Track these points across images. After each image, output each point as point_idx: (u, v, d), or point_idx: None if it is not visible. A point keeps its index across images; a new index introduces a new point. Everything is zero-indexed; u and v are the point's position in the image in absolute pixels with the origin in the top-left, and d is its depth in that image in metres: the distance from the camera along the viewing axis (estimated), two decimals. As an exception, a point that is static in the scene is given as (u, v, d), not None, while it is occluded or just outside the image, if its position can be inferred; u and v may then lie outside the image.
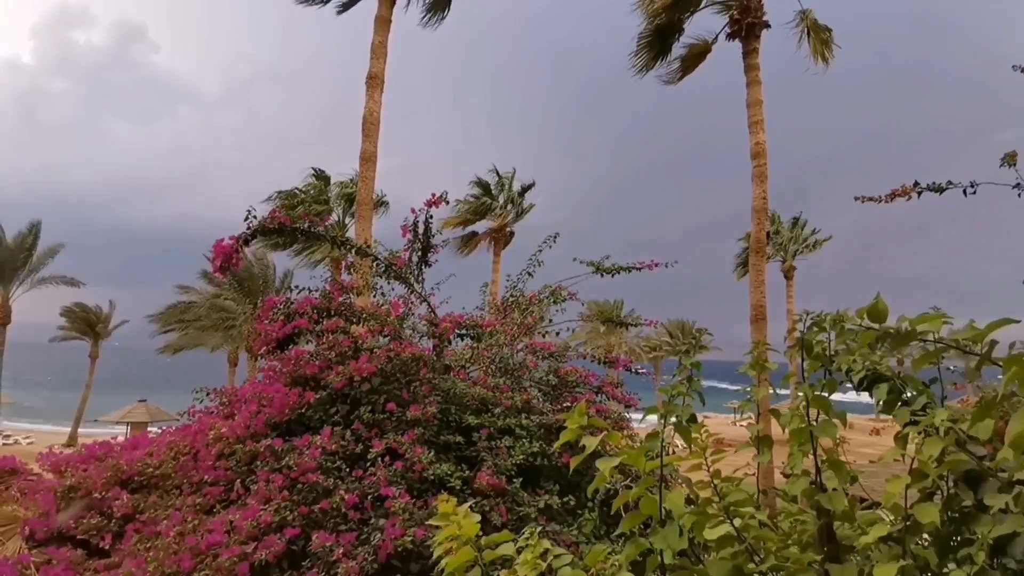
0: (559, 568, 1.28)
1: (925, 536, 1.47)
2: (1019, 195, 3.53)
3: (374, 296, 7.09)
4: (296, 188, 22.07)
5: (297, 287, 6.75)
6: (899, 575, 1.22)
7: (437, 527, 1.46)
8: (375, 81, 11.85)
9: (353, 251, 6.83)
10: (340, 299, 6.56)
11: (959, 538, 1.37)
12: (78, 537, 5.04)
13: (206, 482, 5.22)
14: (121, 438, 8.27)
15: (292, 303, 6.47)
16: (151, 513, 5.01)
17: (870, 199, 4.11)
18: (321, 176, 22.71)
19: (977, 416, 1.13)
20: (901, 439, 1.57)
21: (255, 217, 6.16)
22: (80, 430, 31.59)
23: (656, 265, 7.08)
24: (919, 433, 1.53)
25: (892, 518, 1.56)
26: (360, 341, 6.19)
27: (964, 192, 3.59)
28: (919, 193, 3.78)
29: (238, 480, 5.16)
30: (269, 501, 4.68)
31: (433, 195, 6.75)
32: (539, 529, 1.40)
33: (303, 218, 6.55)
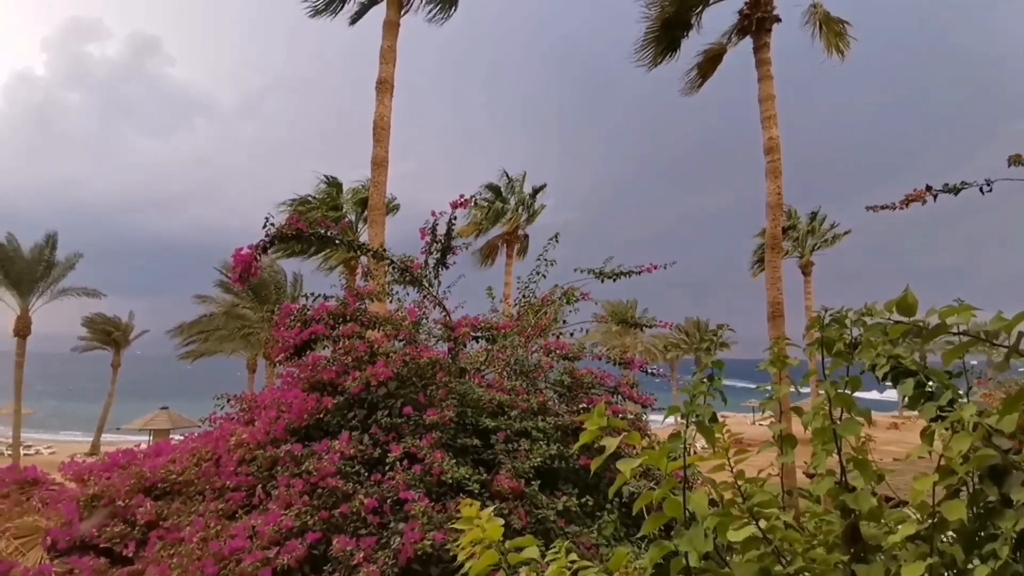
0: (583, 572, 1.28)
1: (951, 533, 1.44)
2: None
3: (390, 302, 7.13)
4: (309, 196, 22.30)
5: (312, 293, 6.81)
6: (926, 573, 1.19)
7: (456, 530, 1.46)
8: (385, 86, 11.93)
9: (369, 255, 6.88)
10: (356, 305, 6.61)
11: (983, 534, 1.34)
12: (101, 546, 5.11)
13: (228, 488, 5.28)
14: (144, 446, 8.39)
15: (308, 310, 6.53)
16: (174, 520, 5.07)
17: (884, 207, 4.02)
18: (333, 183, 22.91)
19: (1006, 409, 1.10)
20: (928, 436, 1.54)
21: (273, 224, 6.24)
22: (103, 438, 32.15)
23: (655, 268, 7.11)
24: (946, 429, 1.50)
25: (919, 516, 1.54)
26: (376, 346, 6.23)
27: (980, 190, 3.50)
28: (935, 196, 3.69)
29: (259, 485, 5.21)
30: (290, 506, 4.73)
31: (461, 196, 6.77)
32: (566, 543, 1.39)
33: (320, 223, 6.61)
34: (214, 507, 5.11)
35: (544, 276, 7.41)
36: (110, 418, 32.67)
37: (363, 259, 7.46)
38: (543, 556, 1.45)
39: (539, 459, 5.15)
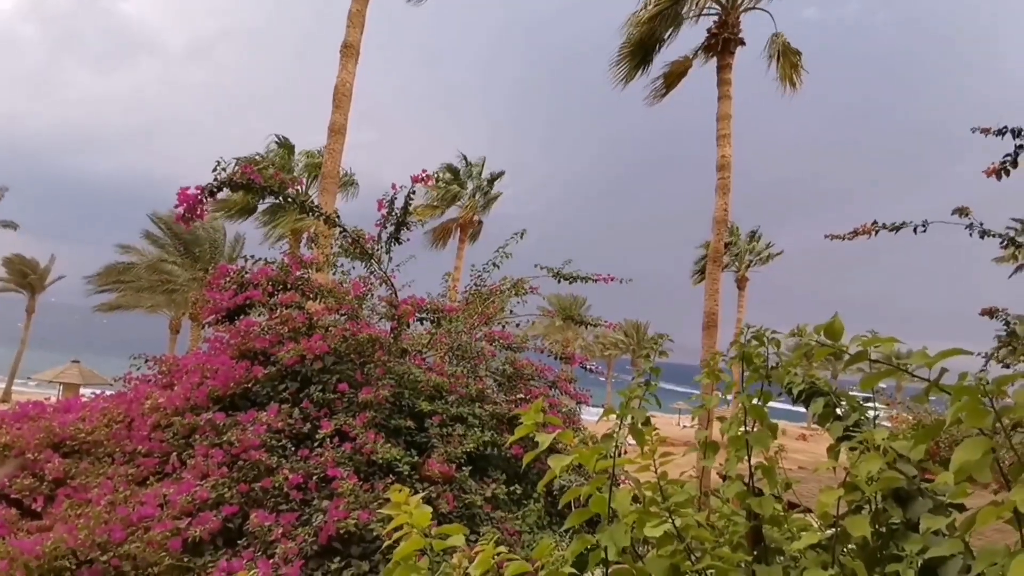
0: (508, 565, 1.32)
1: (851, 546, 1.57)
2: (970, 234, 3.78)
3: (334, 273, 6.95)
4: (258, 154, 21.24)
5: (252, 256, 6.55)
6: (827, 582, 1.30)
7: (384, 514, 1.47)
8: (350, 51, 11.52)
9: (322, 218, 6.67)
10: (298, 273, 6.41)
11: (886, 552, 1.46)
12: (11, 496, 4.84)
13: (140, 452, 5.06)
14: (54, 398, 7.87)
15: (246, 272, 6.28)
16: (82, 480, 4.86)
17: (837, 236, 4.35)
18: (285, 144, 21.91)
19: (920, 439, 1.22)
20: (833, 452, 1.67)
21: (224, 169, 5.94)
22: (14, 387, 30.06)
23: (612, 279, 7.42)
24: (851, 448, 1.64)
25: (820, 525, 1.67)
26: (315, 318, 6.08)
27: (915, 231, 3.84)
28: (877, 232, 4.03)
29: (174, 453, 5.01)
30: (206, 477, 4.57)
31: (423, 171, 6.67)
32: (496, 536, 1.43)
33: (275, 178, 6.35)
34: (124, 471, 4.90)
35: (498, 267, 7.45)
36: (21, 366, 30.50)
37: (309, 224, 7.22)
38: (469, 543, 1.48)
39: (472, 445, 5.20)
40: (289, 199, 6.36)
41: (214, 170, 5.89)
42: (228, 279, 6.26)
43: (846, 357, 1.42)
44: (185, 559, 4.11)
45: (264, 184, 6.05)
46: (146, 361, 6.39)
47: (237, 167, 6.04)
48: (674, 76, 14.22)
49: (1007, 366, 5.19)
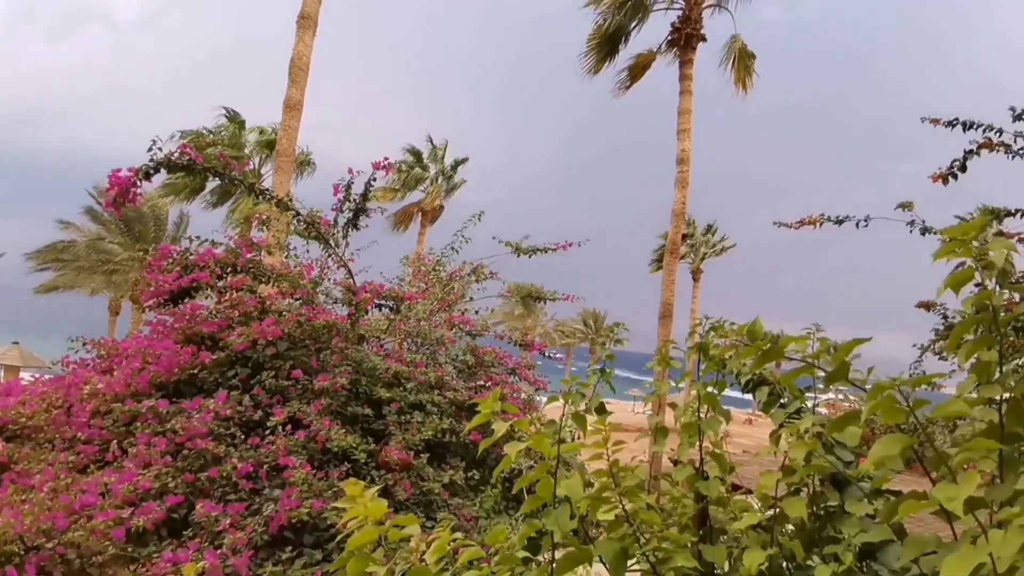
0: (463, 550, 1.33)
1: (790, 526, 1.65)
2: (911, 231, 3.97)
3: (286, 256, 6.75)
4: (205, 128, 20.18)
5: (197, 237, 6.29)
6: (767, 562, 1.36)
7: (336, 499, 1.46)
8: (307, 22, 11.09)
9: (273, 202, 6.43)
10: (249, 255, 6.19)
11: (824, 534, 1.53)
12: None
13: (79, 439, 4.87)
14: (-5, 381, 7.43)
15: (191, 254, 6.02)
16: (25, 465, 4.70)
17: (784, 224, 4.50)
18: (235, 119, 20.85)
19: (834, 426, 1.28)
20: (775, 438, 1.74)
21: (159, 149, 5.61)
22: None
23: (570, 245, 7.53)
24: (791, 435, 1.72)
25: (761, 506, 1.75)
26: (268, 302, 5.90)
27: (857, 225, 4.01)
28: (822, 223, 4.19)
29: (114, 441, 4.82)
30: (149, 466, 4.42)
31: (385, 159, 6.52)
32: (452, 522, 1.44)
33: (220, 158, 6.05)
34: (64, 458, 4.73)
35: (458, 251, 7.40)
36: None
37: (262, 207, 6.98)
38: (425, 528, 1.48)
39: (431, 433, 5.19)
40: (235, 181, 6.11)
41: (149, 150, 5.55)
42: (171, 260, 5.99)
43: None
44: (129, 549, 4.00)
45: (206, 165, 5.77)
46: (84, 344, 6.09)
47: (181, 141, 5.73)
48: (639, 68, 14.40)
49: (944, 358, 5.51)
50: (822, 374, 1.83)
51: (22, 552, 3.83)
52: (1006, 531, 0.76)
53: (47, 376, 6.23)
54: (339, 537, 1.40)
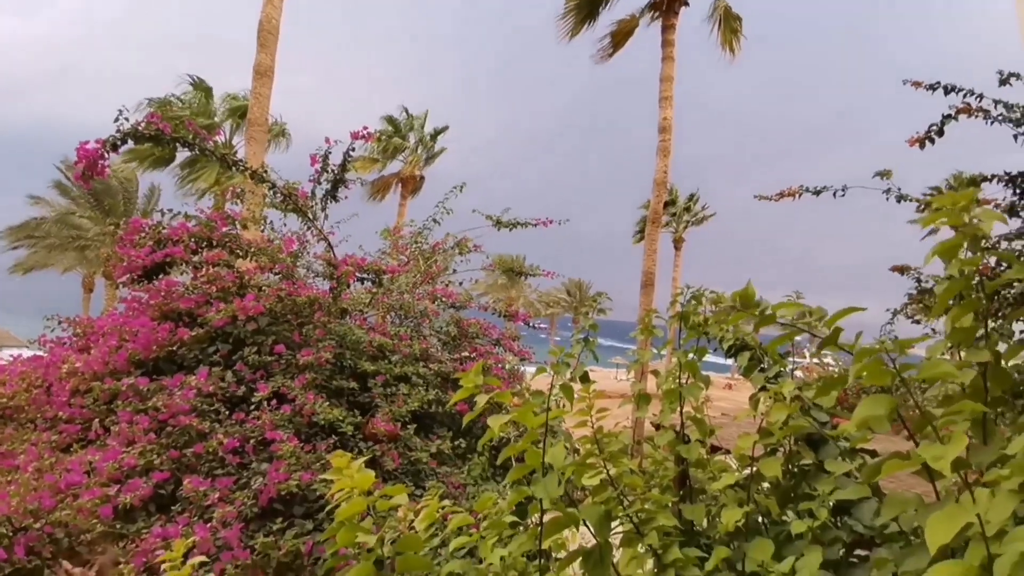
0: (452, 516, 1.36)
1: (766, 485, 1.71)
2: (887, 199, 4.03)
3: (263, 229, 6.62)
4: (172, 95, 19.45)
5: (170, 210, 6.12)
6: (743, 519, 1.41)
7: (324, 471, 1.47)
8: (276, -19, 10.65)
9: (247, 174, 6.26)
10: (225, 229, 6.06)
11: (798, 492, 1.59)
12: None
13: (61, 419, 4.82)
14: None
15: (164, 227, 5.87)
16: (8, 446, 4.66)
17: (765, 197, 4.55)
18: (200, 86, 20.04)
19: (821, 391, 1.32)
20: (754, 402, 1.79)
21: (126, 119, 5.42)
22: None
23: (551, 222, 7.48)
24: (770, 398, 1.77)
25: (739, 467, 1.81)
26: (247, 277, 5.81)
27: (834, 195, 4.06)
28: (800, 195, 4.25)
29: (96, 419, 4.78)
30: (132, 443, 4.39)
31: (364, 128, 6.35)
32: (440, 490, 1.46)
33: (188, 127, 5.85)
34: (47, 438, 4.68)
35: (439, 223, 7.33)
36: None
37: (236, 179, 6.82)
38: (414, 496, 1.51)
39: (417, 404, 5.22)
40: (206, 151, 5.92)
41: (116, 120, 5.35)
42: (143, 234, 5.84)
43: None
44: (118, 526, 4.00)
45: (175, 135, 5.59)
46: (60, 323, 5.97)
47: (149, 110, 5.53)
48: (621, 35, 14.16)
49: (917, 322, 5.67)
50: (799, 339, 1.88)
51: (10, 533, 3.82)
52: (995, 493, 0.78)
53: (25, 355, 6.10)
54: (328, 507, 1.42)
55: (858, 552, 1.47)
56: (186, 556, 1.81)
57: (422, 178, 24.52)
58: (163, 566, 1.65)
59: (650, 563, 1.49)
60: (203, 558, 2.06)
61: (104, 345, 5.23)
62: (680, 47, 13.16)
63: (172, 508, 4.18)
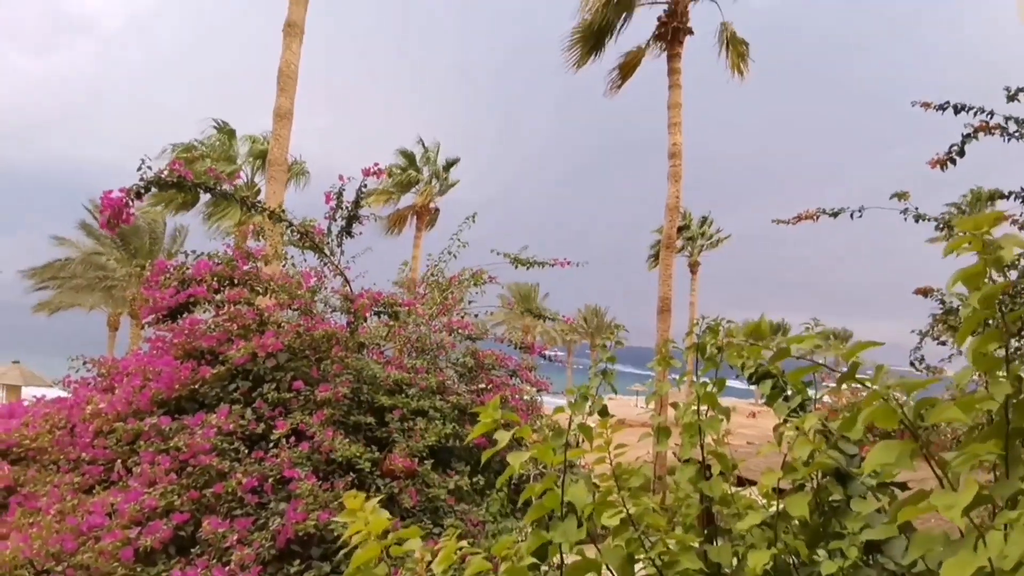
0: (470, 558, 1.33)
1: (796, 522, 1.65)
2: (905, 219, 3.99)
3: (283, 266, 6.75)
4: (196, 140, 20.15)
5: (192, 251, 6.28)
6: (770, 561, 1.36)
7: (337, 518, 1.46)
8: (294, 29, 11.07)
9: (265, 215, 6.42)
10: (245, 267, 6.18)
11: (829, 529, 1.53)
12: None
13: (84, 460, 4.85)
14: (-3, 401, 7.42)
15: (187, 268, 6.01)
16: (31, 488, 4.68)
17: (782, 222, 4.56)
18: (224, 129, 20.77)
19: (845, 425, 1.28)
20: (778, 436, 1.74)
21: (149, 168, 5.60)
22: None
23: (568, 263, 7.54)
24: (793, 430, 1.72)
25: (766, 502, 1.75)
26: (266, 314, 5.89)
27: (852, 216, 4.04)
28: (818, 217, 4.24)
29: (119, 460, 4.81)
30: (154, 484, 4.40)
31: (375, 165, 6.52)
32: (458, 530, 1.44)
33: (209, 173, 6.03)
34: (69, 479, 4.71)
35: (455, 256, 7.41)
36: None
37: (257, 218, 6.98)
38: (432, 535, 1.49)
39: (434, 438, 5.18)
40: (227, 196, 6.10)
41: (139, 168, 5.54)
42: (167, 276, 5.98)
43: (770, 354, 1.51)
44: (138, 568, 3.98)
45: (196, 182, 5.76)
46: (84, 363, 6.07)
47: (172, 156, 5.73)
48: (629, 67, 14.44)
49: (943, 343, 5.53)
50: (822, 360, 1.83)
51: None
52: (1007, 534, 0.77)
53: (49, 396, 6.21)
54: (345, 550, 1.41)
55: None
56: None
57: (437, 210, 24.88)
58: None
59: (676, 608, 1.44)
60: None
61: (128, 385, 5.30)
62: (690, 73, 13.33)
63: (191, 550, 4.15)
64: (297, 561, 4.05)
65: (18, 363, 22.54)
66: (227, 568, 3.86)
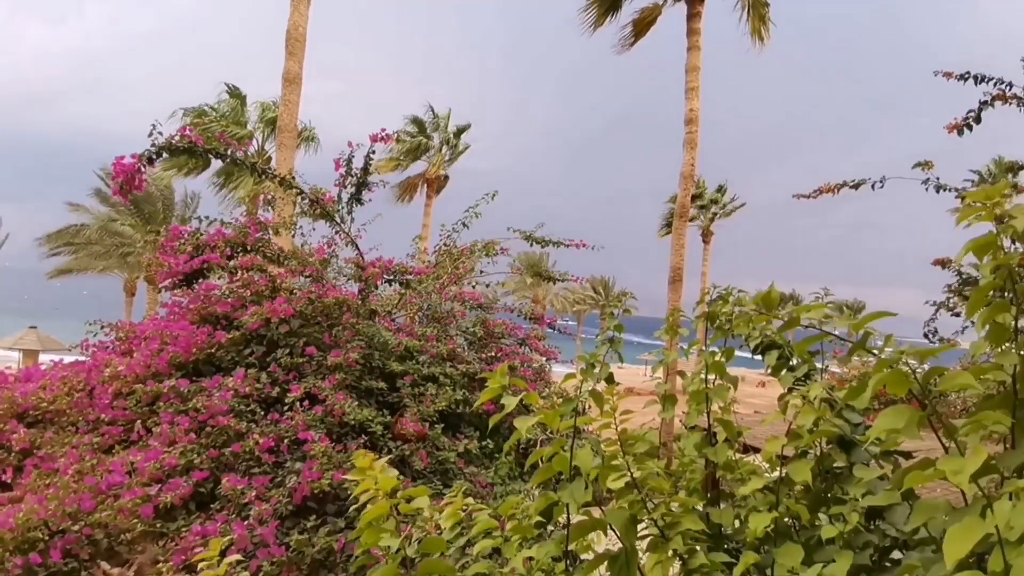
0: (477, 515, 1.37)
1: (798, 487, 1.67)
2: (927, 190, 3.92)
3: (293, 236, 6.78)
4: (207, 105, 19.94)
5: (206, 217, 6.32)
6: (772, 524, 1.39)
7: (348, 476, 1.51)
8: (302, -12, 10.83)
9: (275, 181, 6.42)
10: (257, 235, 6.23)
11: (831, 495, 1.55)
12: (-20, 469, 4.78)
13: (103, 421, 4.99)
14: (14, 366, 7.63)
15: (201, 234, 6.07)
16: (48, 449, 4.80)
17: (803, 196, 4.48)
18: (236, 94, 20.49)
19: (850, 395, 1.29)
20: (783, 404, 1.75)
21: (160, 133, 5.60)
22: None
23: (584, 245, 7.46)
24: (800, 399, 1.73)
25: (769, 468, 1.78)
26: (278, 281, 5.95)
27: (873, 187, 3.97)
28: (839, 190, 4.17)
29: (138, 421, 4.94)
30: (174, 444, 4.54)
31: (383, 131, 6.46)
32: (464, 487, 1.49)
33: (220, 139, 6.02)
34: (88, 440, 4.83)
35: (468, 227, 7.39)
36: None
37: (267, 186, 6.98)
38: (442, 495, 1.53)
39: (444, 404, 5.28)
40: (237, 161, 6.09)
41: (150, 134, 5.52)
42: (182, 241, 6.04)
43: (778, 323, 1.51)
44: (158, 525, 4.13)
45: (207, 147, 5.75)
46: (102, 327, 6.21)
47: (184, 119, 5.70)
48: (643, 24, 13.96)
49: (957, 314, 5.49)
50: (836, 332, 1.82)
51: (46, 538, 3.87)
52: (1015, 503, 0.77)
53: (66, 359, 6.36)
54: (357, 505, 1.46)
55: (894, 556, 1.43)
56: (223, 554, 1.87)
57: (446, 177, 24.68)
58: (199, 564, 1.71)
59: (677, 566, 1.48)
60: (239, 556, 2.13)
61: (146, 348, 5.42)
62: (706, 37, 12.92)
63: (211, 506, 4.31)
64: (313, 517, 4.20)
65: (35, 328, 23.03)
66: (246, 522, 4.01)
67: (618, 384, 1.80)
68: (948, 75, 3.96)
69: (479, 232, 7.59)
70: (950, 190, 4.26)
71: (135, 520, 4.03)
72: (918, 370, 1.05)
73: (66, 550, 3.88)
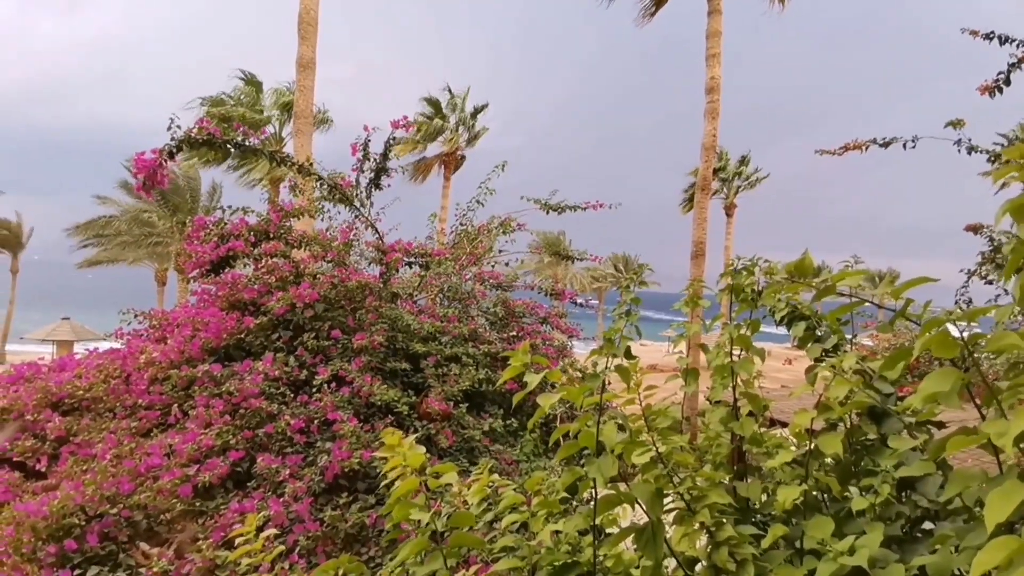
0: (504, 492, 1.39)
1: (828, 460, 1.65)
2: (959, 151, 3.78)
3: (319, 220, 6.85)
4: (224, 94, 20.09)
5: (230, 206, 6.42)
6: (800, 496, 1.38)
7: (377, 453, 1.54)
8: (312, -27, 10.76)
9: (294, 168, 6.48)
10: (280, 222, 6.30)
11: (861, 467, 1.53)
12: (14, 459, 4.94)
13: (140, 406, 5.14)
14: (48, 357, 7.91)
15: (226, 223, 6.17)
16: (85, 436, 4.92)
17: (827, 152, 4.33)
18: (251, 81, 20.58)
19: (887, 364, 1.26)
20: (811, 376, 1.72)
21: (179, 127, 5.67)
22: (7, 348, 30.14)
23: (601, 206, 7.39)
24: (829, 370, 1.70)
25: (797, 443, 1.76)
26: (302, 266, 6.04)
27: (904, 146, 3.83)
28: (867, 148, 4.02)
29: (175, 405, 5.10)
30: (210, 426, 4.68)
31: (404, 117, 6.46)
32: (489, 464, 1.50)
33: (237, 129, 6.08)
34: (126, 425, 4.98)
35: (483, 204, 7.37)
36: (12, 326, 30.51)
37: (285, 171, 7.04)
38: (468, 473, 1.56)
39: (468, 383, 5.33)
40: (255, 151, 6.14)
41: (169, 128, 5.59)
42: (207, 231, 6.15)
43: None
44: (197, 503, 4.27)
45: (225, 139, 5.80)
46: (136, 316, 6.38)
47: (202, 108, 5.74)
48: (661, -6, 13.59)
49: (990, 282, 5.32)
50: (867, 305, 1.77)
51: (83, 523, 3.88)
52: None
53: (101, 348, 6.56)
54: (387, 482, 1.49)
55: (925, 527, 1.41)
56: (260, 530, 1.94)
57: (464, 158, 24.55)
58: (236, 540, 1.76)
59: (704, 539, 1.48)
60: (274, 531, 2.20)
61: (179, 335, 5.57)
62: (726, 4, 12.50)
63: (248, 485, 4.45)
64: (344, 494, 4.32)
65: (68, 319, 23.76)
66: (282, 499, 4.14)
67: (637, 358, 1.79)
68: (974, 33, 3.81)
69: (497, 212, 7.56)
70: (982, 151, 4.09)
71: (174, 500, 4.17)
72: (965, 332, 1.02)
73: (103, 533, 3.92)
